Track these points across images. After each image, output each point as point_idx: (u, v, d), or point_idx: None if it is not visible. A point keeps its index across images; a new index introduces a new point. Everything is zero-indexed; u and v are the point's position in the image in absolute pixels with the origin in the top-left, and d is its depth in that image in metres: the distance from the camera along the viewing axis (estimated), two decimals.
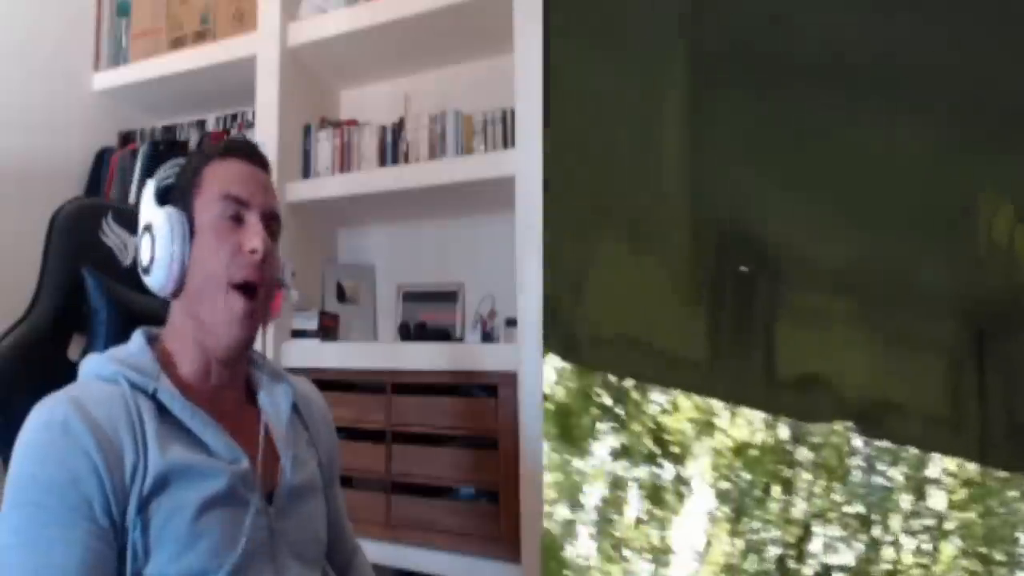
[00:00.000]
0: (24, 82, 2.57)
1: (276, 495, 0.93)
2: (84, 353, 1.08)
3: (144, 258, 0.95)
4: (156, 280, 0.94)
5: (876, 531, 1.49)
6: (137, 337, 0.96)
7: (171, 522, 0.82)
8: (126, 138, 2.94)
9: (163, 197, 0.96)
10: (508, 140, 2.15)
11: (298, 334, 2.35)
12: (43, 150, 2.63)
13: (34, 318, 1.12)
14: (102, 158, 2.84)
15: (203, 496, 0.84)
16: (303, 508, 0.97)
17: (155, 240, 0.93)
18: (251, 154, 0.99)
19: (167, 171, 0.98)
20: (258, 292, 0.94)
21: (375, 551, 1.99)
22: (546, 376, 1.38)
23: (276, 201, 1.00)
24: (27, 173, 2.51)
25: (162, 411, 0.88)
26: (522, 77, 2.01)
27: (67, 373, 0.95)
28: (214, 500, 0.85)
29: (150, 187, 0.97)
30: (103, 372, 0.90)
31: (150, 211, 0.95)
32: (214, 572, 0.83)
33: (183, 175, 0.97)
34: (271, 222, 0.97)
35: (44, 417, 0.83)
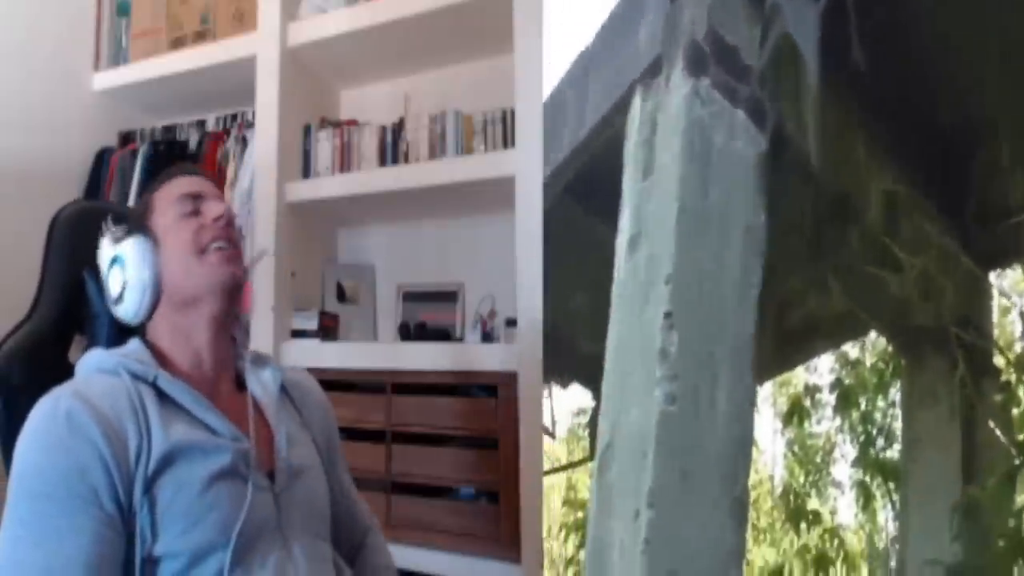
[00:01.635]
0: (24, 82, 2.57)
1: (277, 472, 0.95)
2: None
3: (115, 288, 0.98)
4: (130, 304, 0.97)
5: None
6: (134, 340, 0.98)
7: (178, 498, 0.84)
8: (126, 138, 2.94)
9: (121, 239, 0.99)
10: (508, 140, 2.15)
11: (298, 334, 2.36)
12: (43, 150, 2.62)
13: (36, 321, 1.12)
14: (102, 158, 2.83)
15: (209, 471, 0.86)
16: (304, 484, 0.99)
17: (125, 266, 0.96)
18: (191, 171, 1.05)
19: (115, 228, 1.01)
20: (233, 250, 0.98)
21: None
22: None
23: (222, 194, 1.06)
24: (27, 173, 2.50)
25: (163, 398, 0.90)
26: (522, 77, 2.01)
27: (69, 376, 0.96)
28: (220, 474, 0.87)
29: (106, 241, 1.00)
30: (104, 365, 0.92)
31: (112, 250, 0.98)
32: (223, 547, 0.84)
33: (134, 214, 1.02)
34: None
35: (48, 410, 0.84)
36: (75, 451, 0.81)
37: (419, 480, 2.11)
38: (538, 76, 1.94)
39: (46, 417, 0.84)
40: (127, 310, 0.98)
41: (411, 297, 2.55)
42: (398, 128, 2.36)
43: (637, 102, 1.44)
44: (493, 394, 2.01)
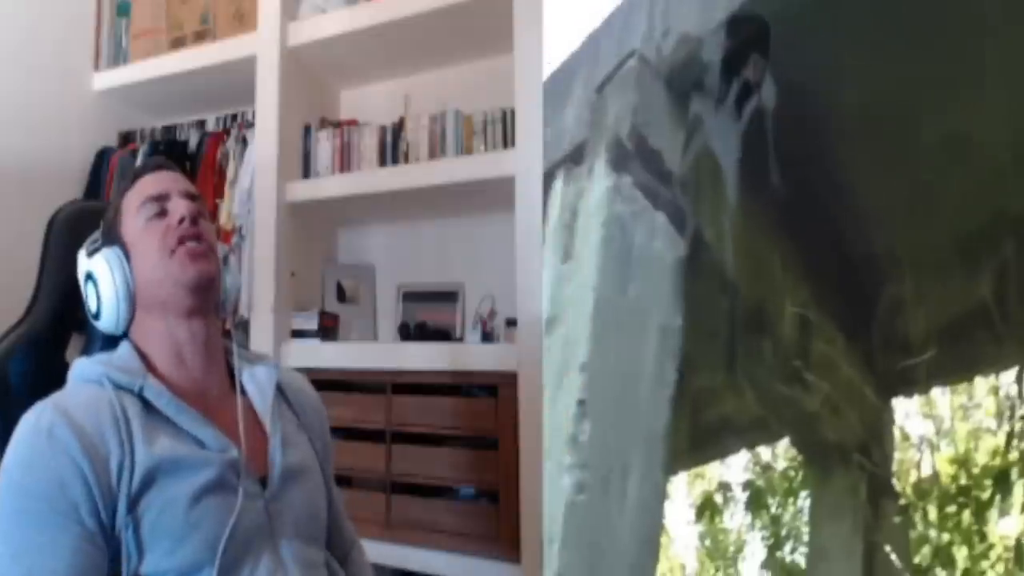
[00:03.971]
0: (24, 82, 2.57)
1: (269, 478, 0.94)
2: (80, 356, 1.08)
3: (92, 304, 0.98)
4: (108, 318, 0.97)
5: None
6: (124, 344, 0.98)
7: (164, 516, 0.83)
8: (126, 138, 2.94)
9: (94, 253, 0.99)
10: (508, 140, 2.14)
11: (298, 334, 2.35)
12: (43, 150, 2.62)
13: (32, 321, 1.12)
14: (102, 158, 2.83)
15: (194, 487, 0.85)
16: (298, 487, 0.97)
17: (98, 282, 0.96)
18: (157, 166, 1.03)
19: (92, 235, 1.01)
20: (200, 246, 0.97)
21: (375, 551, 1.99)
22: None
23: (193, 187, 1.04)
24: (27, 173, 2.50)
25: (149, 408, 0.89)
26: (522, 77, 2.01)
27: (65, 375, 0.96)
28: (206, 490, 0.85)
29: (81, 254, 1.00)
30: (90, 375, 0.92)
31: (86, 265, 0.98)
32: (211, 563, 0.83)
33: (105, 221, 1.01)
34: (193, 200, 1.00)
35: (30, 426, 0.84)
36: (55, 467, 0.80)
37: (419, 480, 2.11)
38: (538, 76, 1.94)
39: (28, 432, 0.83)
40: (106, 325, 0.98)
41: (411, 297, 2.55)
42: (398, 128, 2.36)
43: (559, 185, 1.47)
44: (493, 394, 2.00)
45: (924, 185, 1.55)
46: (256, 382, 1.02)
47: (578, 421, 1.20)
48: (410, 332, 2.38)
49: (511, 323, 2.07)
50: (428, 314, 2.45)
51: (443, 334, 2.35)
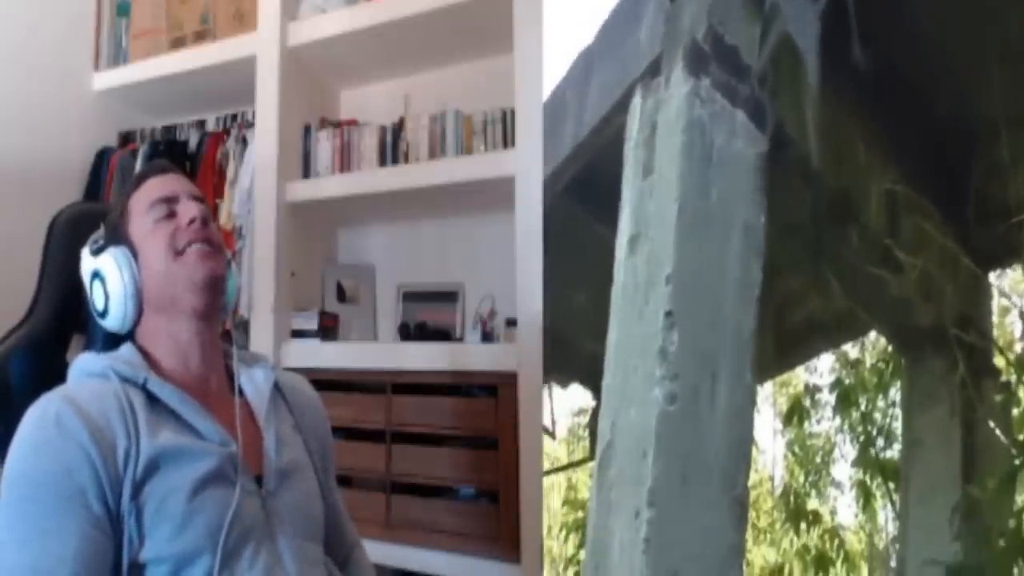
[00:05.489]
0: (24, 82, 2.57)
1: (265, 475, 0.95)
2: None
3: (99, 303, 0.98)
4: (115, 317, 0.98)
5: None
6: (126, 344, 0.99)
7: (166, 503, 0.84)
8: (126, 138, 2.94)
9: (99, 252, 0.99)
10: (508, 140, 2.15)
11: (298, 334, 2.36)
12: (43, 150, 2.62)
13: (34, 322, 1.13)
14: (102, 158, 2.83)
15: (196, 476, 0.86)
16: (294, 486, 0.99)
17: (105, 280, 0.97)
18: (163, 169, 1.04)
19: (95, 233, 1.02)
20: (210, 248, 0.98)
21: (375, 551, 1.99)
22: None
23: (199, 191, 1.05)
24: (27, 173, 2.50)
25: (152, 400, 0.90)
26: (522, 77, 2.01)
27: (66, 377, 0.97)
28: (206, 479, 0.87)
29: (85, 252, 1.01)
30: (94, 369, 0.93)
31: (92, 263, 0.99)
32: (210, 552, 0.84)
33: (110, 221, 1.02)
34: (201, 203, 1.01)
35: (37, 415, 0.85)
36: (63, 453, 0.82)
37: (419, 480, 2.11)
38: (538, 76, 1.94)
39: (35, 422, 0.84)
40: (113, 323, 0.99)
41: (411, 297, 2.55)
42: (398, 128, 2.36)
43: (637, 101, 1.44)
44: (493, 394, 2.01)
45: (1016, 42, 1.47)
46: (253, 383, 1.04)
47: (667, 332, 1.19)
48: (410, 332, 2.38)
49: (511, 323, 2.07)
50: (428, 314, 2.46)
51: (443, 334, 2.35)
